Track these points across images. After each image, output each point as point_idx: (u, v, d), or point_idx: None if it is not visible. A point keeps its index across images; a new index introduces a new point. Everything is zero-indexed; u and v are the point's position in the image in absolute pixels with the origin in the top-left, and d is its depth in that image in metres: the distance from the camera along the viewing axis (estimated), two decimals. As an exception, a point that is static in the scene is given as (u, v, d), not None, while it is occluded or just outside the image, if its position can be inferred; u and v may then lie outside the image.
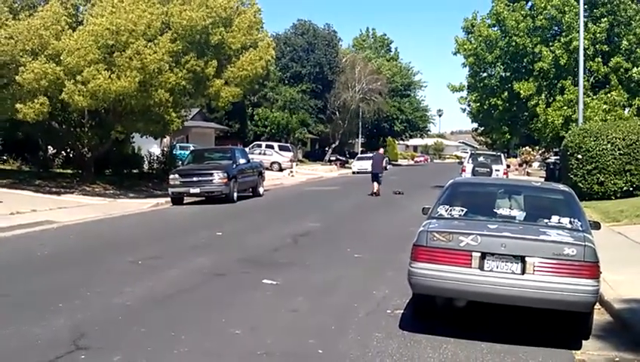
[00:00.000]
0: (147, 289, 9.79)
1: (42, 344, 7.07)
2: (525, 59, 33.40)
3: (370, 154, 45.86)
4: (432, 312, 8.02)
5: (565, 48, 31.19)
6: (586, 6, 30.68)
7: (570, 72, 31.81)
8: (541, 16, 32.24)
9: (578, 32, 27.83)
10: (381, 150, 33.27)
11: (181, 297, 9.40)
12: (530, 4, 33.88)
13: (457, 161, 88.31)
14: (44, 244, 14.02)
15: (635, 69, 31.32)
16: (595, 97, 31.61)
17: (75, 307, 8.57)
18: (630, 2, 30.82)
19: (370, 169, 32.06)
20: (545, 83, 33.20)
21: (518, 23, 32.71)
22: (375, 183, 28.98)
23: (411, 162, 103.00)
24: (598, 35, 31.02)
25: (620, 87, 31.72)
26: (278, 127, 65.39)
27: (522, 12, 33.20)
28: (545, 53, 31.78)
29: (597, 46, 31.45)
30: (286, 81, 68.67)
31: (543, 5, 31.90)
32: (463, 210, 8.21)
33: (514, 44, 32.85)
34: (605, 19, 31.17)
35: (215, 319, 8.11)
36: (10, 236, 15.34)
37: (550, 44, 32.31)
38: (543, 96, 32.84)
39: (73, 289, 9.58)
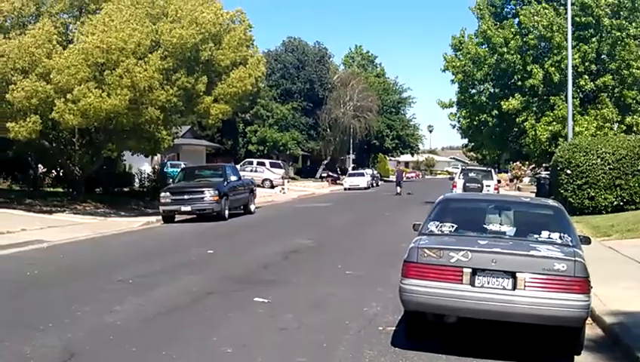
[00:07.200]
0: (138, 308, 9.74)
1: (32, 364, 7.03)
2: (515, 76, 33.54)
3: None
4: (423, 329, 8.00)
5: (557, 66, 31.37)
6: (574, 28, 30.93)
7: (561, 88, 31.94)
8: (531, 35, 32.39)
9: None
10: (400, 167, 62.12)
11: (172, 316, 9.36)
12: (517, 20, 34.01)
13: (448, 176, 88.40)
14: (35, 263, 13.91)
15: (624, 91, 31.55)
16: (585, 114, 31.76)
17: (66, 326, 8.51)
18: (612, 30, 31.02)
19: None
20: (534, 99, 33.33)
21: (507, 42, 32.83)
22: (398, 187, 45.25)
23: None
24: (588, 54, 31.25)
25: (609, 103, 31.92)
26: (274, 146, 65.36)
27: (512, 29, 33.34)
28: (535, 70, 31.91)
29: (587, 64, 31.65)
30: (277, 98, 68.68)
31: (531, 24, 32.07)
32: (453, 226, 8.21)
33: (505, 61, 32.94)
34: (594, 39, 31.41)
35: (206, 337, 8.07)
36: (1, 255, 15.25)
37: (541, 61, 32.47)
38: (532, 113, 32.96)
39: (63, 309, 9.52)
